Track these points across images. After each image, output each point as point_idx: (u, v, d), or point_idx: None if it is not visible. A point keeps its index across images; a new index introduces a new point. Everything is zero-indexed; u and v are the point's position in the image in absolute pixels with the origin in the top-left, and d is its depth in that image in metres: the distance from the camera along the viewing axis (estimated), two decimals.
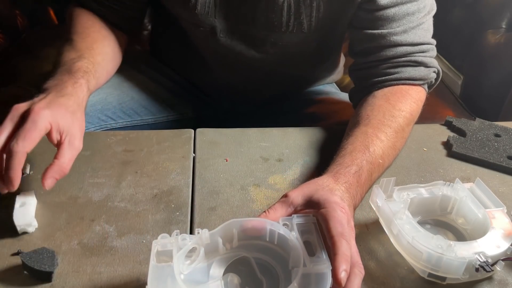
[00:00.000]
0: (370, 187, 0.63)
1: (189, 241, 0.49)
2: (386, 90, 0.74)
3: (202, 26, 0.80)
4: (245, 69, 0.87)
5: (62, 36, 0.76)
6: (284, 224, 0.51)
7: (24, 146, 0.54)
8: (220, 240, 0.50)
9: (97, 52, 0.73)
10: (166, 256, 0.49)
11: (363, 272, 0.48)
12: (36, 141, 0.56)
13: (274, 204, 0.54)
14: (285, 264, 0.50)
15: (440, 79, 0.79)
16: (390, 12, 0.72)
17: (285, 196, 0.54)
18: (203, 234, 0.50)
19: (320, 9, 0.76)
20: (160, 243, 0.49)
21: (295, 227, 0.51)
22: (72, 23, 0.77)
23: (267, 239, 0.52)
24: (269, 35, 0.79)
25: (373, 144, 0.64)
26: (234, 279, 0.50)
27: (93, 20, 0.78)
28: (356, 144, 0.64)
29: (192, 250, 0.50)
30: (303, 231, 0.51)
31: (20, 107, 0.58)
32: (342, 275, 0.45)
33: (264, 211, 0.53)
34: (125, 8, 0.80)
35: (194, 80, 0.99)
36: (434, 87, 0.80)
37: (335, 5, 0.76)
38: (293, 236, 0.50)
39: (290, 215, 0.53)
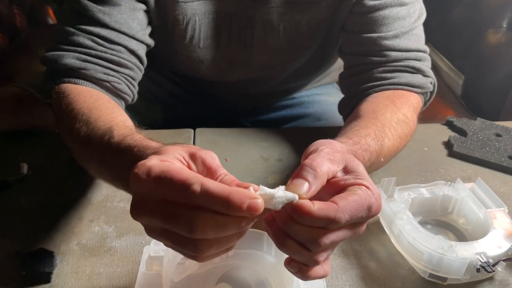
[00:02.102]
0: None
1: None
2: (388, 92, 0.68)
3: (204, 59, 0.78)
4: (245, 85, 0.87)
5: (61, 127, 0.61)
6: None
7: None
8: None
9: (121, 119, 0.57)
10: (158, 261, 0.48)
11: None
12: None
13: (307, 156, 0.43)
14: (280, 278, 0.49)
15: (434, 94, 0.74)
16: (379, 15, 0.69)
17: (314, 170, 0.42)
18: None
19: (316, 25, 0.75)
20: (152, 249, 0.48)
21: None
22: (71, 107, 0.59)
23: (264, 250, 0.51)
24: (269, 58, 0.79)
25: (383, 139, 0.58)
26: None
27: (94, 92, 0.64)
28: (370, 130, 0.58)
29: (185, 258, 0.49)
30: None
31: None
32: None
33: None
34: (129, 70, 0.67)
35: (194, 84, 0.98)
36: (428, 104, 0.75)
37: (330, 16, 0.74)
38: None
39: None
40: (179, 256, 0.48)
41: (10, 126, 0.77)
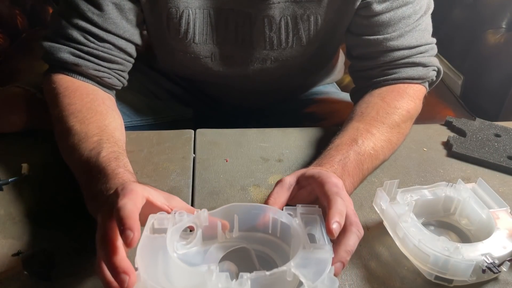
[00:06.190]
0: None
1: (187, 218, 0.48)
2: (383, 89, 0.74)
3: (200, 55, 0.79)
4: (245, 84, 0.87)
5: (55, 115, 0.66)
6: (288, 213, 0.50)
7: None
8: (219, 226, 0.49)
9: (112, 128, 0.64)
10: (162, 232, 0.48)
11: (361, 232, 0.49)
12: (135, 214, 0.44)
13: (272, 191, 0.55)
14: (286, 259, 0.49)
15: (441, 76, 0.79)
16: (386, 17, 0.72)
17: (280, 181, 0.55)
18: (201, 214, 0.49)
19: (318, 22, 0.75)
20: (156, 217, 0.47)
21: (299, 216, 0.50)
22: (68, 101, 0.66)
23: (270, 232, 0.51)
24: (269, 54, 0.79)
25: (362, 137, 0.65)
26: (231, 267, 0.48)
27: (90, 90, 0.69)
28: (344, 138, 0.65)
29: (190, 233, 0.49)
30: (307, 222, 0.50)
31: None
32: (334, 226, 0.46)
33: (268, 200, 0.54)
34: (119, 65, 0.73)
35: (194, 85, 0.99)
36: (436, 84, 0.80)
37: (332, 15, 0.75)
38: (296, 223, 0.49)
39: (289, 198, 0.55)
40: (183, 225, 0.48)
41: (11, 126, 0.77)
